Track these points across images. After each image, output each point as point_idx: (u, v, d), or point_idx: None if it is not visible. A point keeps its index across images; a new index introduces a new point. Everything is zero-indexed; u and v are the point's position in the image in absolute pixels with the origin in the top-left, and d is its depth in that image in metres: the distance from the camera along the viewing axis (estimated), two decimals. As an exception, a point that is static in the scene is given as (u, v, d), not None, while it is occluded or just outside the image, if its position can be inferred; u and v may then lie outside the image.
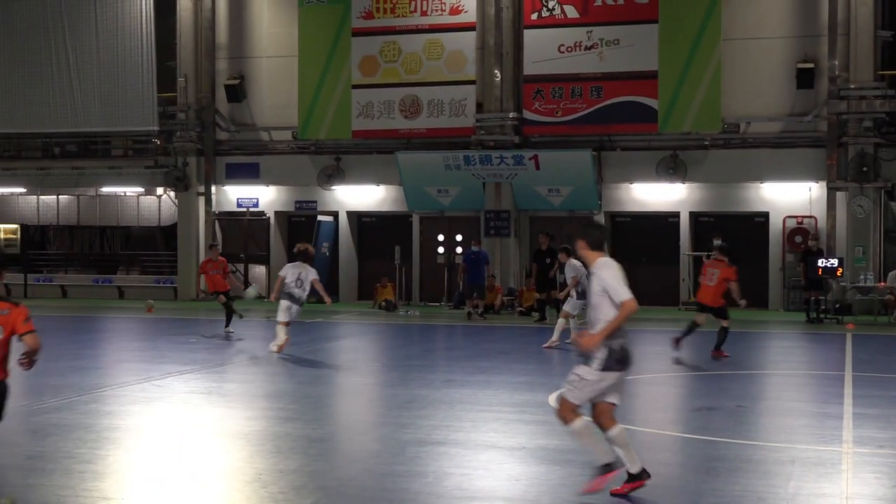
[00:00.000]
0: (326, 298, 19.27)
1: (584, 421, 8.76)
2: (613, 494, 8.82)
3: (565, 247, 21.94)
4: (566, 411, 8.75)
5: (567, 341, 20.68)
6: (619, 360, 8.66)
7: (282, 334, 18.46)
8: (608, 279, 8.60)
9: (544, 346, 20.42)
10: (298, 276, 18.56)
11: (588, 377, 8.67)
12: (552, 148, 30.42)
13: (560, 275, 26.14)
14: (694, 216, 30.35)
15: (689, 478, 9.79)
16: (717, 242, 28.84)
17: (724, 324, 18.28)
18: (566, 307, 20.71)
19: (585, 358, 8.69)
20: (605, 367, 8.62)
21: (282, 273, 18.87)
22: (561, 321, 20.71)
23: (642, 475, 8.86)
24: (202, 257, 33.21)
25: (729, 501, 8.71)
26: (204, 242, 33.53)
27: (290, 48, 32.90)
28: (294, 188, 33.44)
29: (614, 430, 8.83)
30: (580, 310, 20.96)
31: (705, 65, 29.33)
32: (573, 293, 20.64)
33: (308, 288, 18.65)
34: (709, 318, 18.43)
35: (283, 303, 18.52)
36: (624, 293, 8.49)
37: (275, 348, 18.44)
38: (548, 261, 25.98)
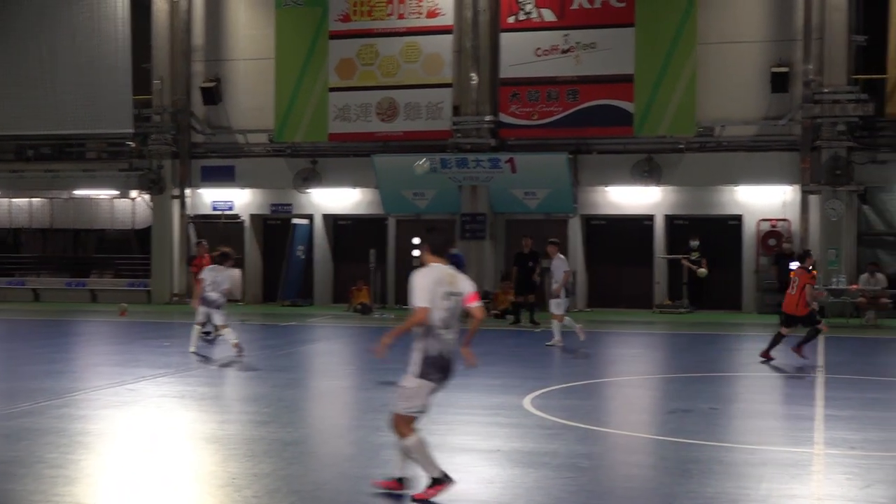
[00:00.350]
0: (232, 297, 19.48)
1: (419, 436, 8.69)
2: (415, 499, 8.70)
3: (554, 240, 21.99)
4: (401, 425, 8.68)
5: (552, 343, 20.70)
6: (435, 369, 8.62)
7: (194, 336, 18.78)
8: (413, 284, 8.59)
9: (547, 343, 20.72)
10: (214, 279, 18.77)
11: (409, 384, 8.66)
12: (528, 151, 30.47)
13: (538, 277, 26.22)
14: (669, 219, 30.45)
15: (663, 480, 9.81)
16: (693, 243, 29.05)
17: (821, 328, 18.47)
18: (555, 309, 20.66)
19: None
20: (421, 375, 8.61)
21: (202, 276, 19.12)
22: (555, 322, 20.71)
23: (443, 480, 8.70)
24: (176, 260, 33.14)
25: (702, 503, 8.75)
26: (179, 246, 33.42)
27: (267, 50, 32.82)
28: (270, 191, 33.34)
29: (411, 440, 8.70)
30: (566, 308, 21.00)
31: (681, 68, 29.42)
32: (561, 292, 20.69)
33: (223, 290, 18.83)
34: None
35: (201, 309, 18.87)
36: (418, 300, 8.48)
37: (191, 349, 18.92)
38: (530, 264, 25.97)
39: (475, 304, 8.86)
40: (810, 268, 18.55)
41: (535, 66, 30.50)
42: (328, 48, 32.17)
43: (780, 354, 18.47)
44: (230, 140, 33.68)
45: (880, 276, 27.01)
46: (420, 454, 8.70)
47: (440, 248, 8.89)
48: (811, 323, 18.41)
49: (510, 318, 27.02)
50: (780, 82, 28.89)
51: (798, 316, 18.39)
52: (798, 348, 18.29)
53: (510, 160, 29.90)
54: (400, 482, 8.88)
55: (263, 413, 13.17)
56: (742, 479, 9.67)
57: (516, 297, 26.73)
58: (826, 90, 28.35)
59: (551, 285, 20.85)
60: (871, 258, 28.18)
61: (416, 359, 8.66)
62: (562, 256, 21.30)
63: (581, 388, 15.66)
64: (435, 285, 8.59)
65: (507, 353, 20.86)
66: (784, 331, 18.46)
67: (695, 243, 29.11)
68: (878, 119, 28.51)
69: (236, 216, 33.65)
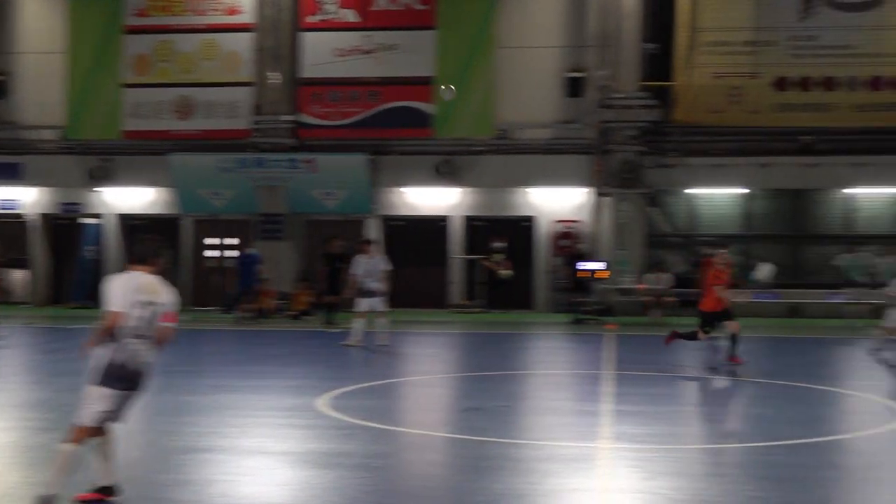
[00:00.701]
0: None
1: (76, 452, 8.36)
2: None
3: (372, 239, 21.90)
4: (76, 433, 8.43)
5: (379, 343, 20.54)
6: (117, 378, 8.37)
7: None
8: (108, 289, 8.37)
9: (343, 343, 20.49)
10: None
11: (90, 394, 8.43)
12: (328, 151, 30.37)
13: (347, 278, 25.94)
14: (467, 220, 30.84)
15: (454, 477, 9.94)
16: (497, 245, 29.53)
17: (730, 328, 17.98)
18: (378, 306, 20.60)
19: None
20: (102, 383, 8.39)
21: None
22: (357, 321, 20.59)
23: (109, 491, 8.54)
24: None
25: (491, 499, 8.87)
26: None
27: (59, 44, 31.66)
28: (60, 189, 32.14)
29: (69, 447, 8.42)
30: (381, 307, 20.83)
31: (480, 72, 29.88)
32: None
33: None
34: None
35: None
36: (111, 304, 8.27)
37: None
38: (339, 265, 25.71)
39: (166, 325, 8.49)
40: (720, 265, 18.37)
41: (337, 67, 30.46)
42: (123, 43, 31.31)
43: (574, 353, 18.92)
44: (17, 136, 32.32)
45: (666, 275, 28.10)
46: (61, 468, 8.31)
47: (143, 257, 8.57)
48: (723, 319, 18.10)
49: (310, 318, 26.86)
50: (574, 87, 29.70)
51: (710, 312, 18.17)
52: (669, 338, 18.46)
53: (309, 161, 29.78)
54: (103, 491, 8.57)
55: (45, 419, 12.67)
56: (530, 474, 9.87)
57: (323, 297, 26.51)
58: (618, 96, 29.26)
59: (363, 284, 20.70)
60: (657, 258, 29.25)
61: (97, 366, 8.33)
62: (381, 256, 21.30)
63: (378, 388, 15.70)
64: (131, 292, 8.32)
65: (306, 354, 20.75)
66: (701, 335, 18.23)
67: (500, 244, 29.58)
68: (666, 124, 29.60)
69: (21, 215, 32.32)
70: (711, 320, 18.05)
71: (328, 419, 12.62)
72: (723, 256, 18.68)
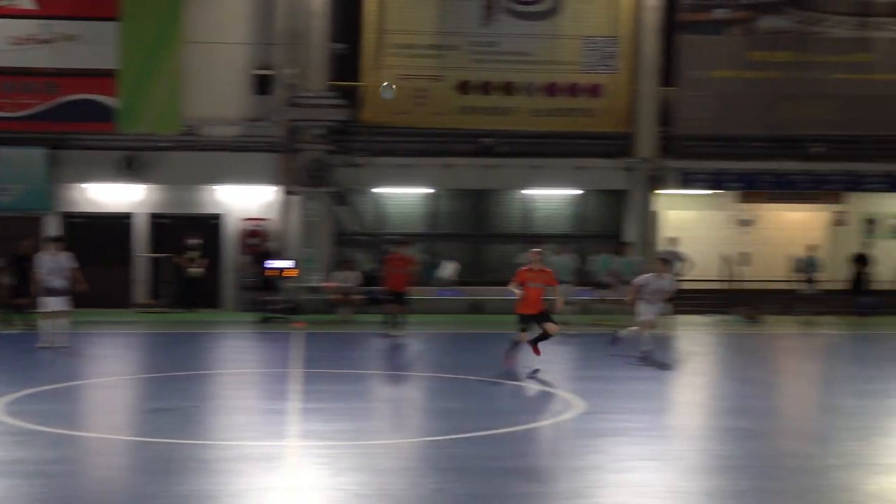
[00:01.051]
0: None
1: None
2: None
3: (58, 237, 21.02)
4: None
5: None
6: None
7: None
8: None
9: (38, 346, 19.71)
10: None
11: None
12: (3, 145, 28.86)
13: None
14: (152, 218, 30.10)
15: (137, 481, 9.71)
16: (192, 242, 28.93)
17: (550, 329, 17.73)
18: (61, 306, 19.90)
19: None
20: None
21: None
22: (43, 322, 19.92)
23: None
24: None
25: (177, 502, 8.74)
26: None
27: None
28: None
29: None
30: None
31: (166, 66, 29.24)
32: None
33: None
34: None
35: None
36: None
37: None
38: (26, 265, 24.39)
39: None
40: (533, 263, 18.17)
41: (12, 56, 29.01)
42: None
43: (262, 351, 18.83)
44: None
45: (354, 273, 28.46)
46: None
47: None
48: (542, 321, 17.94)
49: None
50: (262, 85, 29.63)
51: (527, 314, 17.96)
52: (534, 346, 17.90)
53: (-19, 154, 28.30)
54: None
55: None
56: (219, 474, 9.80)
57: (21, 299, 25.10)
58: (306, 94, 29.38)
59: (47, 283, 19.88)
60: (345, 257, 29.58)
61: None
62: (66, 254, 20.47)
63: (57, 391, 15.10)
64: None
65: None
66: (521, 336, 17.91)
67: (195, 241, 29.01)
68: (353, 124, 29.99)
69: None
70: (528, 321, 17.99)
71: (1, 425, 12.02)
72: (534, 255, 18.46)
